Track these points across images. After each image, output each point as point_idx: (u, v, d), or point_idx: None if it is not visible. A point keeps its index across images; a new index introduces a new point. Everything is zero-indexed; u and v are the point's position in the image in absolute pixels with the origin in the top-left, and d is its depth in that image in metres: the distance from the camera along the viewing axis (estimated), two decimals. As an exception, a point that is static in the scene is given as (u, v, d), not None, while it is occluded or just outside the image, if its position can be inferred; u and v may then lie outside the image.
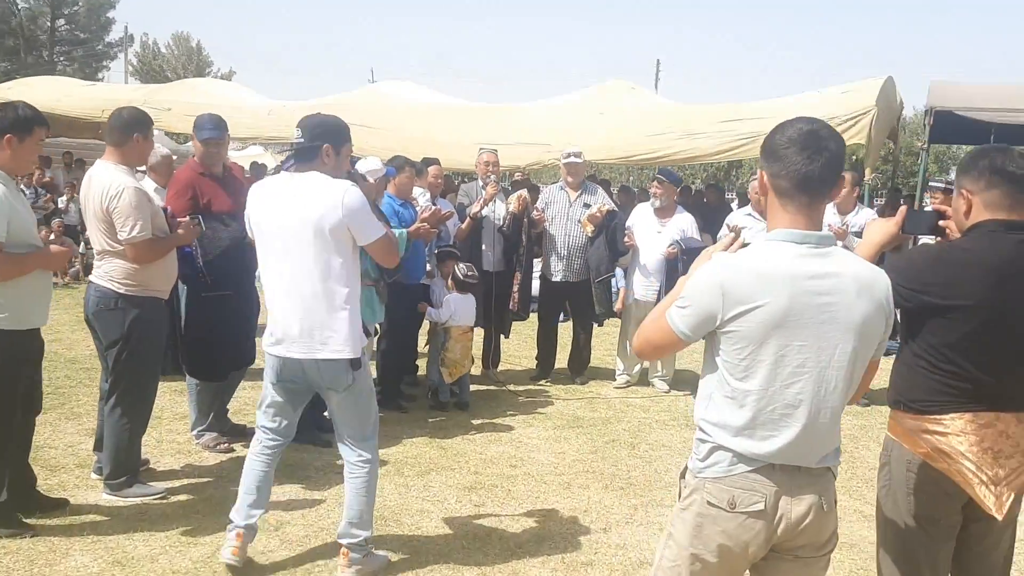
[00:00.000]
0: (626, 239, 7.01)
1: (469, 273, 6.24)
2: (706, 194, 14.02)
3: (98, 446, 4.41)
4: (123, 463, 4.21)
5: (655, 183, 7.19)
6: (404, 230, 5.55)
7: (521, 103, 12.75)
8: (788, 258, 1.96)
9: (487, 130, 10.58)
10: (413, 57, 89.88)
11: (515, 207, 6.86)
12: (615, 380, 7.22)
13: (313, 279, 3.17)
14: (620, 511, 4.41)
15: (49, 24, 43.61)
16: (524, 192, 7.05)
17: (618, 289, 10.98)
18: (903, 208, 2.76)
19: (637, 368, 7.23)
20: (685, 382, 7.26)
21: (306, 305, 3.20)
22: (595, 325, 7.33)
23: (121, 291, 4.04)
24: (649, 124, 10.60)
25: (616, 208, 7.26)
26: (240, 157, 20.60)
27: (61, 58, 44.66)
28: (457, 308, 6.13)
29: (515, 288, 7.05)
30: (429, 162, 6.98)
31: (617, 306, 10.69)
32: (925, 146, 10.59)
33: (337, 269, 3.16)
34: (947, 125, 9.88)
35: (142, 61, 48.68)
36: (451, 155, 10.22)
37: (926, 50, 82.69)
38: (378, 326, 6.00)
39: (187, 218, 4.35)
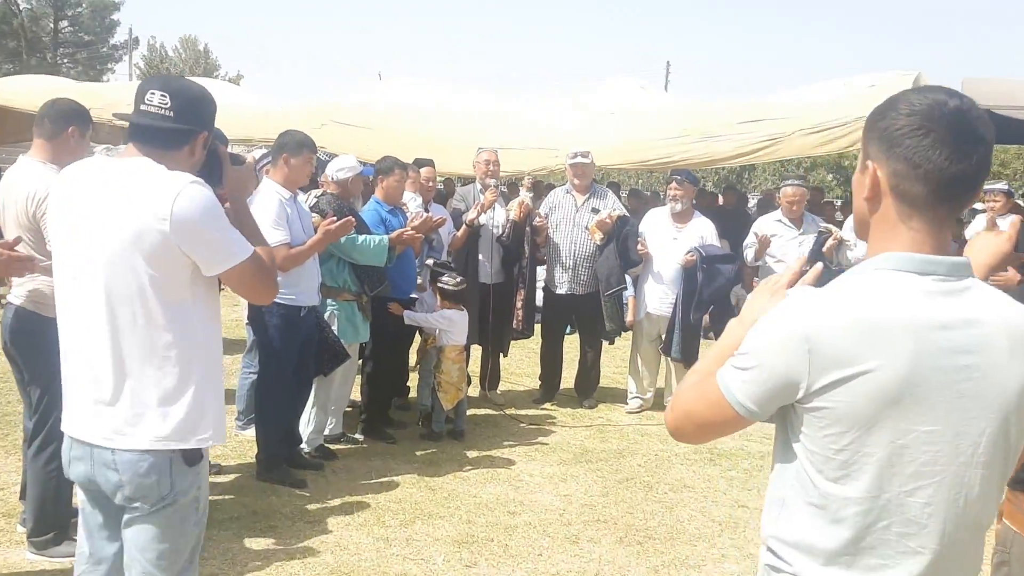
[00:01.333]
0: (639, 247, 6.35)
1: (453, 281, 5.54)
2: (724, 196, 13.19)
3: (24, 494, 3.76)
4: (50, 516, 3.56)
5: (672, 184, 6.52)
6: (385, 236, 4.93)
7: (528, 104, 12.06)
8: (908, 298, 1.29)
9: (490, 132, 9.94)
10: (421, 58, 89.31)
11: (516, 214, 6.21)
12: (627, 403, 6.55)
13: (120, 324, 2.03)
14: (638, 572, 3.74)
15: (52, 26, 43.26)
16: (526, 197, 6.39)
17: (628, 300, 10.42)
18: (1016, 220, 2.10)
19: (651, 391, 6.55)
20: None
21: (110, 359, 2.05)
22: (605, 343, 6.65)
23: (48, 315, 3.40)
24: (663, 126, 9.95)
25: (627, 214, 6.59)
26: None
27: (64, 60, 44.29)
28: (453, 323, 5.46)
29: (518, 304, 6.38)
30: (421, 163, 6.33)
31: (628, 319, 10.10)
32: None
33: (160, 313, 2.03)
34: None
35: (149, 64, 48.24)
36: (451, 158, 9.62)
37: (940, 50, 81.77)
38: (362, 346, 5.36)
39: None
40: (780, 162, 31.67)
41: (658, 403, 6.53)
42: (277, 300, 3.82)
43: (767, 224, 6.46)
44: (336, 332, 4.77)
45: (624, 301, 10.37)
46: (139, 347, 2.04)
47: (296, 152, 4.46)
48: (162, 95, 2.06)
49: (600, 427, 6.02)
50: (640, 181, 34.84)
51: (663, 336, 6.39)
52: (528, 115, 10.96)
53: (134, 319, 2.02)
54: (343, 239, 4.60)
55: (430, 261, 5.85)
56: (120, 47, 46.12)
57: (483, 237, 6.19)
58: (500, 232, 6.23)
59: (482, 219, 6.07)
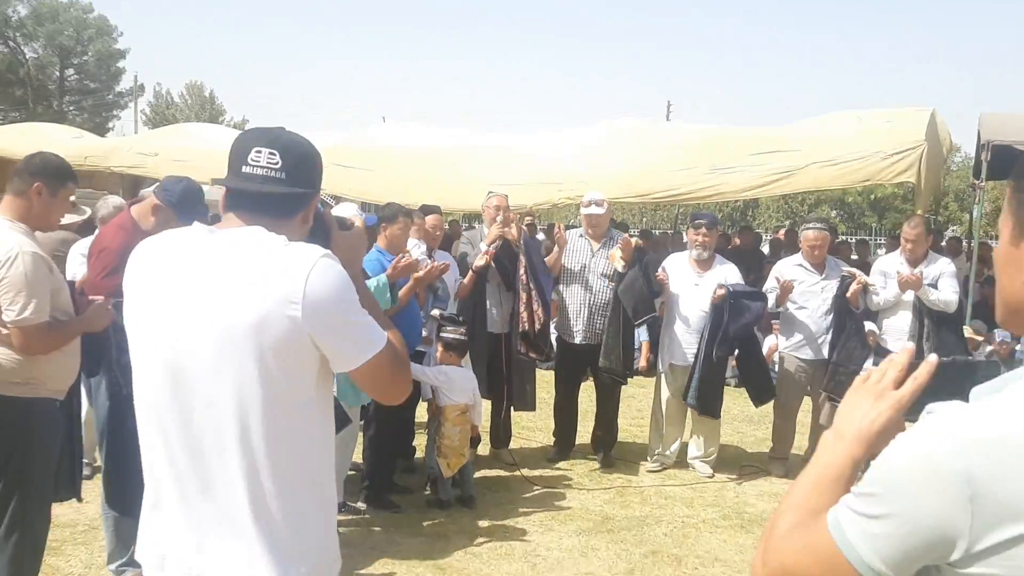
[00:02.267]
0: (659, 276, 5.98)
1: (453, 331, 5.19)
2: (740, 237, 12.76)
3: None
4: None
5: (693, 230, 6.09)
6: (383, 275, 4.59)
7: (529, 138, 11.73)
8: None
9: (491, 169, 9.65)
10: (424, 102, 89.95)
11: (512, 234, 5.82)
12: (647, 460, 6.14)
13: (231, 446, 1.61)
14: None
15: (58, 74, 43.54)
16: (524, 222, 6.04)
17: (640, 344, 9.99)
18: None
19: (675, 446, 6.14)
20: (731, 462, 6.20)
21: (213, 501, 1.65)
22: (619, 383, 6.16)
23: (1, 392, 3.06)
24: (671, 159, 9.62)
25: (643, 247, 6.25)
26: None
27: (71, 108, 44.54)
28: (452, 381, 5.09)
29: (522, 311, 5.73)
30: (428, 210, 6.01)
31: (640, 363, 9.69)
32: (982, 184, 9.53)
33: (282, 418, 1.63)
34: (1005, 161, 8.88)
35: (155, 110, 48.59)
36: (455, 198, 9.35)
37: (952, 84, 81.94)
38: (363, 408, 4.99)
39: (101, 298, 3.35)
40: (784, 199, 31.57)
41: (681, 460, 6.13)
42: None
43: (788, 268, 6.10)
44: (336, 394, 4.41)
45: (636, 344, 9.96)
46: (261, 461, 1.62)
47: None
48: (271, 153, 1.67)
49: (620, 489, 5.61)
50: (645, 219, 34.61)
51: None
52: (529, 150, 10.62)
53: (249, 427, 1.60)
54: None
55: (436, 312, 5.51)
56: (125, 94, 46.41)
57: (490, 282, 5.85)
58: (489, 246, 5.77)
59: (480, 260, 5.73)
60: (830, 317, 5.92)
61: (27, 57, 42.33)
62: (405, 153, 10.73)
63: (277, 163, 1.68)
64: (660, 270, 6.04)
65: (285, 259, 1.60)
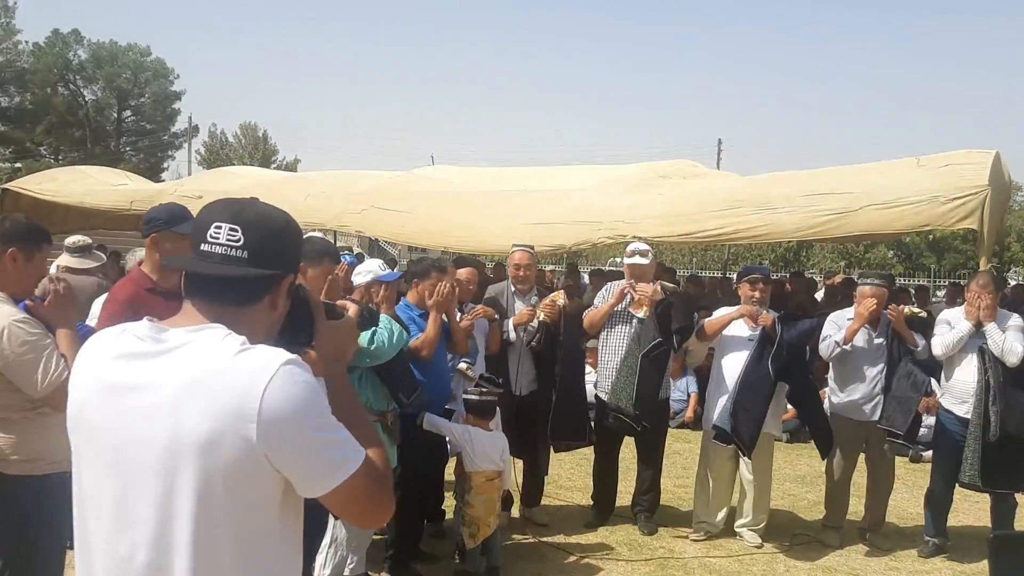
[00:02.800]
0: (702, 315, 5.67)
1: (476, 392, 4.90)
2: (791, 283, 12.18)
3: None
4: None
5: (748, 285, 5.66)
6: (405, 334, 4.33)
7: (566, 173, 11.35)
8: None
9: (528, 209, 9.33)
10: (471, 142, 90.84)
11: (546, 315, 5.58)
12: (691, 528, 5.75)
13: (176, 568, 1.37)
14: None
15: (116, 115, 44.84)
16: (559, 295, 5.74)
17: (689, 395, 9.59)
18: None
19: (723, 513, 5.74)
20: (782, 529, 5.78)
21: None
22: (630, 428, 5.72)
23: (11, 472, 2.90)
24: (716, 199, 9.21)
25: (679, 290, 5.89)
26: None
27: (127, 149, 45.80)
28: (478, 445, 4.79)
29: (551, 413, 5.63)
30: (462, 263, 5.81)
31: (687, 415, 9.29)
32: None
33: (230, 552, 1.38)
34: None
35: (210, 150, 49.76)
36: (492, 239, 9.11)
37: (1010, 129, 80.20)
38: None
39: None
40: (839, 239, 30.80)
41: (729, 527, 5.73)
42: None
43: (843, 322, 5.71)
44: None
45: (684, 395, 9.55)
46: None
47: (316, 262, 3.89)
48: (232, 229, 1.45)
49: (661, 561, 5.24)
50: (695, 259, 33.96)
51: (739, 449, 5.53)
52: (566, 187, 10.27)
53: (195, 562, 1.35)
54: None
55: (463, 366, 5.26)
56: (180, 135, 47.65)
57: (512, 345, 5.61)
58: (530, 338, 5.61)
59: (512, 334, 5.53)
60: (883, 377, 5.53)
61: (86, 99, 43.72)
62: (444, 195, 10.55)
63: (238, 240, 1.45)
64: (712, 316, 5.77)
65: (239, 368, 1.35)
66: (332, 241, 17.34)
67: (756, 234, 8.39)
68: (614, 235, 8.36)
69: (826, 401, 6.07)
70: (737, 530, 5.68)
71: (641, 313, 5.58)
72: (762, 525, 5.66)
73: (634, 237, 8.70)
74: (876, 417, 5.50)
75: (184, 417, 1.32)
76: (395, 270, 5.12)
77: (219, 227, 1.46)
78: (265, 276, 1.48)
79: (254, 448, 1.33)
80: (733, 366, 5.51)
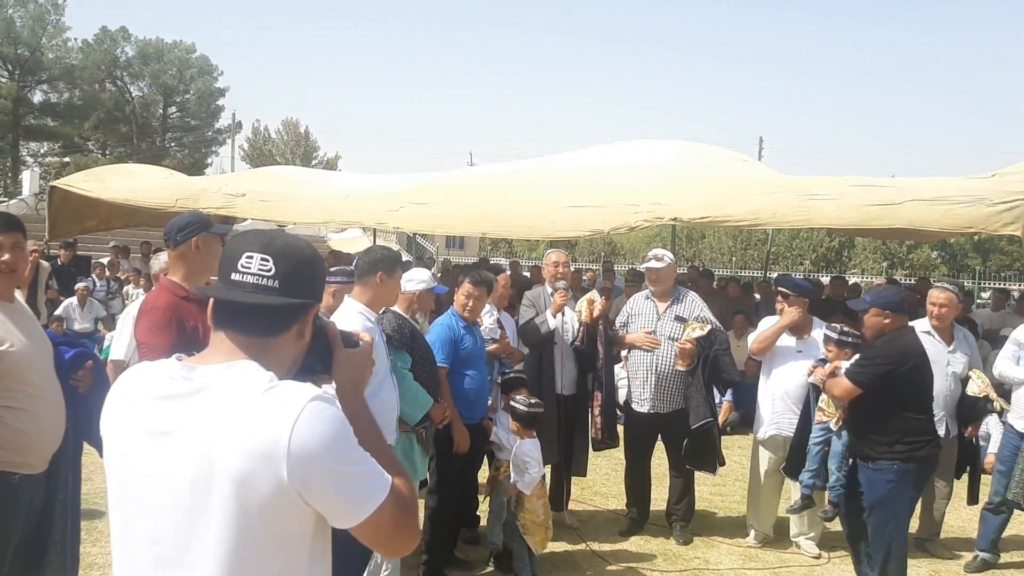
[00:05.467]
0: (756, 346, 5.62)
1: (533, 402, 4.92)
2: (832, 287, 11.88)
3: None
4: None
5: (779, 299, 5.64)
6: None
7: (604, 154, 11.19)
8: None
9: (566, 192, 9.22)
10: (512, 138, 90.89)
11: (587, 315, 5.59)
12: (749, 537, 5.73)
13: None
14: None
15: (161, 111, 45.65)
16: (593, 295, 5.75)
17: (721, 402, 9.49)
18: None
19: (771, 520, 5.74)
20: (827, 539, 5.67)
21: None
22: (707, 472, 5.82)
23: None
24: (755, 183, 8.97)
25: (715, 324, 5.68)
26: (340, 241, 20.14)
27: (172, 144, 46.60)
28: (533, 466, 4.79)
29: (596, 411, 5.71)
30: (497, 270, 5.82)
31: (721, 419, 9.19)
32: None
33: None
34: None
35: (252, 146, 50.42)
36: (533, 225, 9.04)
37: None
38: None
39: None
40: (883, 241, 30.11)
41: (781, 536, 5.72)
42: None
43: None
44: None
45: (717, 401, 9.44)
46: None
47: (391, 270, 3.96)
48: (263, 259, 1.47)
49: (696, 572, 5.21)
50: (735, 259, 33.55)
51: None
52: (603, 171, 10.11)
53: None
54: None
55: (501, 379, 5.28)
56: (224, 131, 48.31)
57: (556, 344, 5.60)
58: (573, 338, 5.63)
59: (551, 323, 5.50)
60: (953, 392, 5.41)
61: (133, 96, 44.56)
62: (480, 185, 10.54)
63: (270, 270, 1.47)
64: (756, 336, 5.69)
65: (267, 407, 1.38)
66: (373, 239, 17.49)
67: (795, 219, 8.08)
68: (652, 218, 8.18)
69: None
70: (793, 539, 5.64)
71: (681, 366, 5.54)
72: (818, 534, 5.61)
73: (672, 219, 8.56)
74: (940, 432, 5.40)
75: (218, 458, 1.35)
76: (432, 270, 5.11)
77: (250, 257, 1.48)
78: (296, 305, 1.50)
79: (286, 487, 1.35)
80: (783, 377, 5.51)
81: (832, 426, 4.75)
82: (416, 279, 4.58)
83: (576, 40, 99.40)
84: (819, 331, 5.49)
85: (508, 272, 6.03)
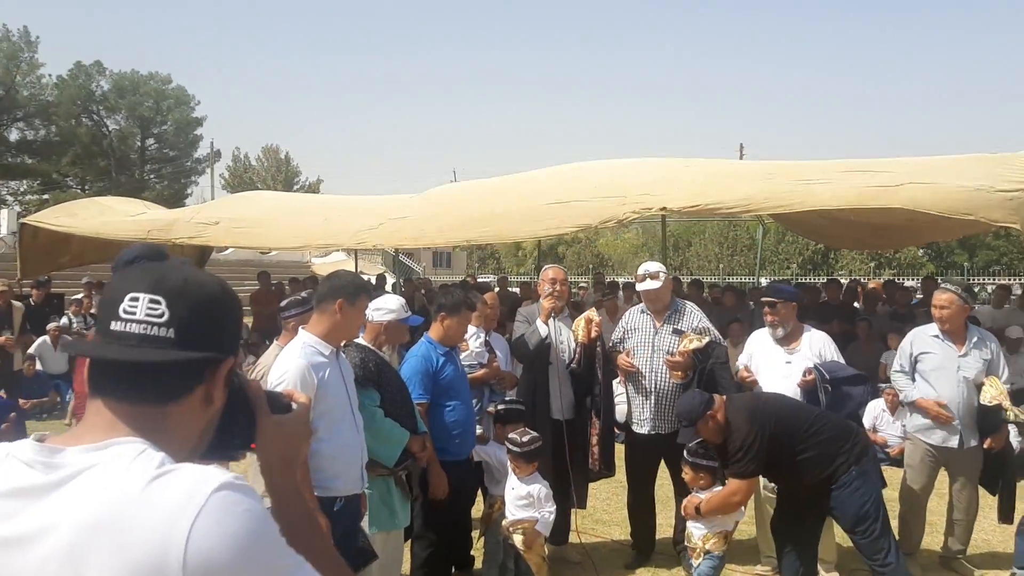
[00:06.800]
0: (743, 374, 5.28)
1: (526, 440, 4.46)
2: (827, 291, 11.67)
3: None
4: None
5: (766, 309, 5.30)
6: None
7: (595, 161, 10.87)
8: None
9: (552, 190, 8.88)
10: (493, 156, 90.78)
11: (583, 336, 5.24)
12: (760, 565, 5.35)
13: None
14: None
15: (139, 144, 45.19)
16: (591, 313, 5.38)
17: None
18: None
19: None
20: (842, 562, 5.33)
21: None
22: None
23: None
24: (747, 169, 8.64)
25: (714, 336, 5.33)
26: (325, 265, 19.79)
27: (151, 176, 46.13)
28: (531, 502, 4.39)
29: (593, 441, 5.35)
30: (483, 289, 5.47)
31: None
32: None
33: None
34: None
35: (233, 174, 50.03)
36: (516, 227, 8.71)
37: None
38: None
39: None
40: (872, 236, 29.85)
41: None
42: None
43: (922, 340, 5.26)
44: (367, 519, 3.79)
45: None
46: None
47: (354, 298, 3.54)
48: (152, 301, 1.11)
49: (708, 604, 4.84)
50: (722, 266, 33.28)
51: None
52: (589, 171, 9.73)
53: None
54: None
55: (492, 408, 4.92)
56: (203, 160, 47.97)
57: (552, 366, 5.25)
58: (569, 359, 5.28)
59: (542, 330, 5.16)
60: (967, 399, 5.08)
61: (110, 129, 44.12)
62: (460, 195, 10.21)
63: (162, 315, 1.11)
64: (743, 365, 5.35)
65: (154, 503, 0.98)
66: (355, 262, 17.12)
67: (789, 202, 7.67)
68: (640, 209, 7.82)
69: (897, 423, 5.65)
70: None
71: (677, 378, 5.21)
72: (834, 560, 5.25)
73: (661, 210, 8.17)
74: (954, 444, 5.08)
75: (88, 569, 0.97)
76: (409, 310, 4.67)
77: (135, 299, 1.11)
78: (198, 360, 1.13)
79: None
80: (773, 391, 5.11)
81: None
82: (385, 308, 4.17)
83: (558, 54, 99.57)
84: (808, 337, 5.20)
85: (497, 289, 5.63)
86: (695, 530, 4.41)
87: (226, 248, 20.29)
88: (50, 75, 41.23)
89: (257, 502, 1.03)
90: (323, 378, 3.33)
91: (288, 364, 3.30)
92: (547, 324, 5.24)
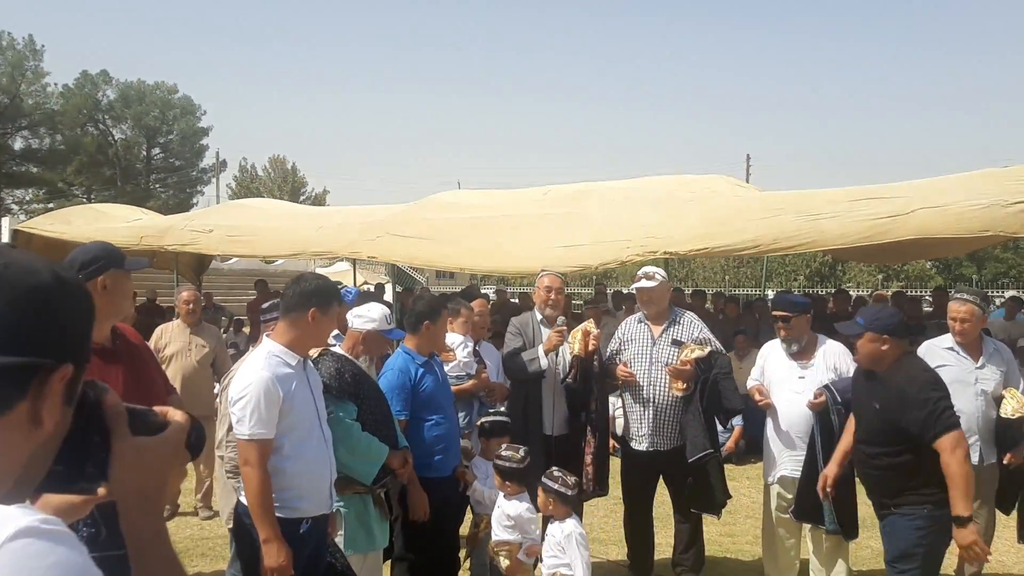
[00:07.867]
0: (758, 397, 4.99)
1: (511, 458, 4.15)
2: (835, 302, 11.41)
3: None
4: None
5: (779, 324, 4.98)
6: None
7: (594, 190, 10.62)
8: None
9: (554, 231, 8.74)
10: (498, 167, 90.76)
11: (580, 348, 4.98)
12: None
13: None
14: None
15: (145, 153, 45.16)
16: (588, 325, 5.13)
17: (733, 427, 8.85)
18: None
19: (796, 568, 5.05)
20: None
21: None
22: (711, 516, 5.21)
23: None
24: (754, 205, 8.45)
25: (715, 346, 5.12)
26: (328, 274, 19.57)
27: (157, 185, 46.07)
28: (519, 524, 4.12)
29: (587, 460, 5.08)
30: (471, 295, 5.24)
31: (728, 446, 8.57)
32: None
33: None
34: None
35: (240, 184, 49.94)
36: (519, 264, 8.62)
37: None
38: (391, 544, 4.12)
39: None
40: (880, 252, 29.55)
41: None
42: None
43: (937, 353, 4.98)
44: (343, 541, 3.55)
45: (729, 427, 8.74)
46: None
47: (327, 306, 3.26)
48: None
49: (709, 631, 4.59)
50: (728, 277, 32.95)
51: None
52: (594, 207, 9.55)
53: None
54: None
55: (481, 421, 4.68)
56: (209, 170, 47.87)
57: (545, 380, 5.01)
58: (565, 373, 5.03)
59: (543, 362, 4.90)
60: (986, 413, 4.79)
61: (115, 138, 44.08)
62: (463, 220, 10.04)
63: None
64: (756, 382, 5.09)
65: None
66: (353, 272, 16.87)
67: (798, 243, 7.59)
68: (644, 252, 7.74)
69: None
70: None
71: (678, 390, 4.96)
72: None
73: (665, 253, 8.04)
74: (973, 461, 4.81)
75: None
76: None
77: None
78: (18, 367, 0.88)
79: None
80: (786, 409, 4.87)
81: None
82: (367, 316, 3.92)
83: (565, 62, 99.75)
84: (825, 348, 4.93)
85: (494, 298, 5.40)
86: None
87: (230, 257, 20.13)
88: (55, 84, 41.26)
89: (75, 552, 0.78)
90: (289, 391, 3.07)
91: (251, 376, 3.04)
92: (548, 357, 5.00)
